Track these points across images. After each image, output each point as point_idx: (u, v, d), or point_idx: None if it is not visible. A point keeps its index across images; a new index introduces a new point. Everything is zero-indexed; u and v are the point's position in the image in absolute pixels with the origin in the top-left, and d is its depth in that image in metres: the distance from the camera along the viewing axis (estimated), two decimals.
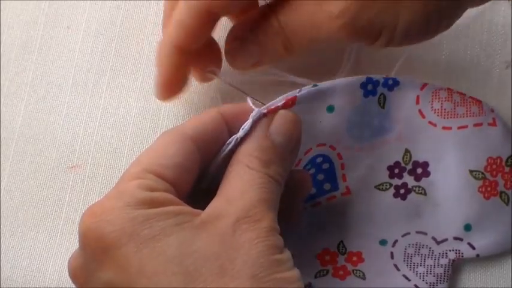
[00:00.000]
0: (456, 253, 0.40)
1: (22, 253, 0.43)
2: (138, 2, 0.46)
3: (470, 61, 0.44)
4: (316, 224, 0.41)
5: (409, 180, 0.40)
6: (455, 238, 0.40)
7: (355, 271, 0.40)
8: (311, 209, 0.41)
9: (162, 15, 0.45)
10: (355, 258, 0.41)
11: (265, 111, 0.34)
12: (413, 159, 0.40)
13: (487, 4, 0.44)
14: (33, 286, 0.42)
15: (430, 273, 0.40)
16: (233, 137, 0.34)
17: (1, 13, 0.46)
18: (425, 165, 0.40)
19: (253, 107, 0.34)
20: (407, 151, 0.40)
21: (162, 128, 0.44)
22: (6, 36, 0.45)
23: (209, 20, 0.36)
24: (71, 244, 0.43)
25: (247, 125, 0.33)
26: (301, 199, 0.38)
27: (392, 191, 0.41)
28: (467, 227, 0.40)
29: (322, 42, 0.37)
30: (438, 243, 0.40)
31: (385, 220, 0.41)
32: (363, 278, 0.40)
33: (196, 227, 0.30)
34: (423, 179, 0.40)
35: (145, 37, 0.45)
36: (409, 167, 0.40)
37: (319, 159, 0.39)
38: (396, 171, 0.40)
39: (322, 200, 0.41)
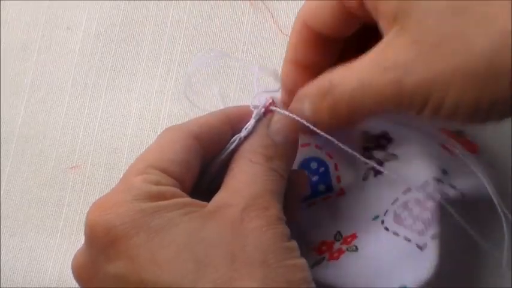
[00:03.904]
0: (440, 193, 0.39)
1: (22, 253, 0.43)
2: (138, 3, 0.46)
3: None
4: (313, 221, 0.41)
5: (379, 154, 0.41)
6: (436, 179, 0.40)
7: (349, 248, 0.41)
8: (307, 208, 0.41)
9: (161, 15, 0.45)
10: (349, 239, 0.41)
11: (263, 110, 0.35)
12: (370, 134, 0.40)
13: None
14: (33, 286, 0.42)
15: (418, 220, 0.39)
16: (236, 136, 0.34)
17: (1, 13, 0.46)
18: (385, 134, 0.40)
19: (252, 108, 0.35)
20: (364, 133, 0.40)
21: (162, 128, 0.44)
22: (6, 36, 0.46)
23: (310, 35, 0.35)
24: (71, 244, 0.43)
25: (249, 125, 0.34)
26: (298, 198, 0.39)
27: (372, 173, 0.41)
28: (444, 171, 0.40)
29: (369, 109, 0.32)
30: (421, 187, 0.40)
31: (376, 199, 0.41)
32: (355, 250, 0.40)
33: (204, 216, 0.30)
34: (388, 146, 0.41)
35: (145, 38, 0.45)
36: (373, 144, 0.41)
37: (313, 165, 0.40)
38: (367, 154, 0.41)
39: (317, 200, 0.41)
